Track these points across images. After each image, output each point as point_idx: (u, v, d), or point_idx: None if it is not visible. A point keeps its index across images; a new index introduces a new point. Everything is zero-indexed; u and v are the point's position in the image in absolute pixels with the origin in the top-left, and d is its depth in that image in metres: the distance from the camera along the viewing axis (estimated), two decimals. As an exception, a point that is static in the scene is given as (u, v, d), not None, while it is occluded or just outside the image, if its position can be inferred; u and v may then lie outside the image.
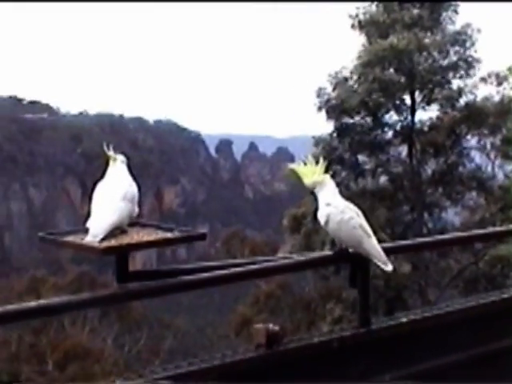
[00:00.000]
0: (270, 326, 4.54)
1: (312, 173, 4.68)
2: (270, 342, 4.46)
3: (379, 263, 4.67)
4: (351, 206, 4.73)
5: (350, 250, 4.74)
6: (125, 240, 4.15)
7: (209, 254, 72.03)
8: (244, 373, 4.37)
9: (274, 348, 4.47)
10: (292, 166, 4.75)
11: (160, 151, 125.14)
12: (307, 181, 4.67)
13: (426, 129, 27.07)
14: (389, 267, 4.68)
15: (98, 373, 24.51)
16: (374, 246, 4.70)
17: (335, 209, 4.64)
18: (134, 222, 4.34)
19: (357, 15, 27.32)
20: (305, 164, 4.72)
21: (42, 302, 4.12)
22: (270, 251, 33.67)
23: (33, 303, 3.96)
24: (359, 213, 4.73)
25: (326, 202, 4.65)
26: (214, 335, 37.04)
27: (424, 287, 25.99)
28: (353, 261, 4.90)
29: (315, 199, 4.75)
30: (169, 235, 4.32)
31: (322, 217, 4.66)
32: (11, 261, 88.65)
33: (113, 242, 4.10)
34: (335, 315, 24.44)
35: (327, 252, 4.87)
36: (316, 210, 4.78)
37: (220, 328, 34.73)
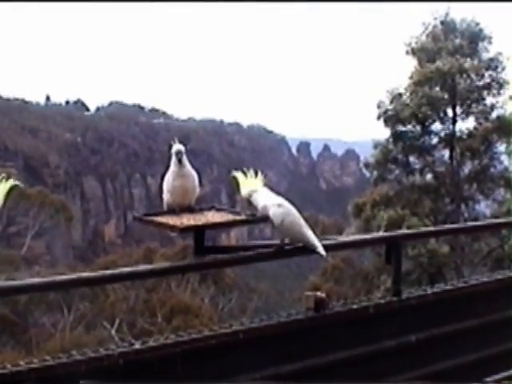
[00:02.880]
0: (318, 293, 4.56)
1: (249, 184, 4.29)
2: (317, 306, 4.49)
3: (317, 249, 4.27)
4: (291, 205, 4.30)
5: (300, 244, 4.34)
6: (200, 221, 4.08)
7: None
8: (295, 330, 4.41)
9: (321, 311, 4.50)
10: (235, 174, 4.34)
11: (252, 150, 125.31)
12: (243, 191, 4.28)
13: (464, 136, 26.69)
14: (323, 253, 4.27)
15: (197, 325, 24.67)
16: (313, 238, 4.29)
17: (287, 210, 4.24)
18: (211, 206, 4.29)
19: (410, 43, 27.22)
20: (244, 174, 4.31)
21: (134, 268, 4.25)
22: (336, 232, 33.50)
23: (126, 268, 4.08)
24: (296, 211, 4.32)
25: (278, 203, 4.23)
26: (290, 298, 37.01)
27: (460, 265, 25.69)
28: (388, 243, 4.92)
29: (249, 205, 4.30)
30: (236, 218, 4.24)
31: (276, 217, 4.19)
32: (132, 234, 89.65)
33: (191, 222, 4.05)
34: (387, 285, 24.27)
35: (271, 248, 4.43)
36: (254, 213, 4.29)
37: (296, 292, 34.60)
